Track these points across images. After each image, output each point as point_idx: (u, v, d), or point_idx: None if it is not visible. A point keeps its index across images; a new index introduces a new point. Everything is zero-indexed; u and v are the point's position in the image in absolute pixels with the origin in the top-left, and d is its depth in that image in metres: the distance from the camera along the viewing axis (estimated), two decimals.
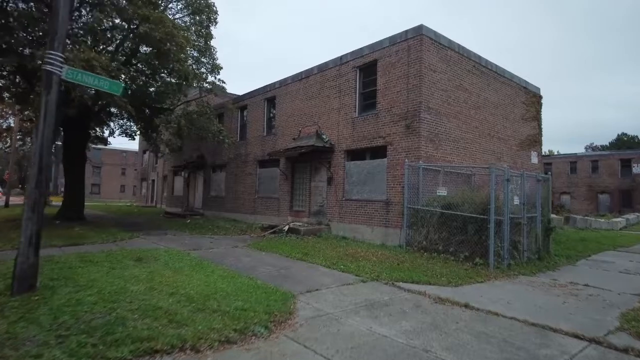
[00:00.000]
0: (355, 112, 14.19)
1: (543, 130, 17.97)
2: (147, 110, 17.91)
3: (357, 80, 14.28)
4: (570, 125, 71.68)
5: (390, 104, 12.82)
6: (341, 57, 14.88)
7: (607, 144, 63.48)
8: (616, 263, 11.14)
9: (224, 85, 19.45)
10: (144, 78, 17.58)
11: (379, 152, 13.20)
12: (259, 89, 19.73)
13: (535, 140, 17.29)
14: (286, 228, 14.25)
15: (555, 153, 58.96)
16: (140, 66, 16.91)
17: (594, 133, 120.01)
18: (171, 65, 15.57)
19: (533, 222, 10.78)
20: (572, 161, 43.64)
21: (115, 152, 67.00)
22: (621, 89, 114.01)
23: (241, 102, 21.16)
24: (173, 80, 17.39)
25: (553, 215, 14.81)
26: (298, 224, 14.87)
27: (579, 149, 54.52)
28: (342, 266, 8.65)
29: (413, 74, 12.19)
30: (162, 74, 17.72)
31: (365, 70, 14.15)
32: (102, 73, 10.64)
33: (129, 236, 12.91)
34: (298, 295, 6.29)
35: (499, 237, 9.37)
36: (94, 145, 28.70)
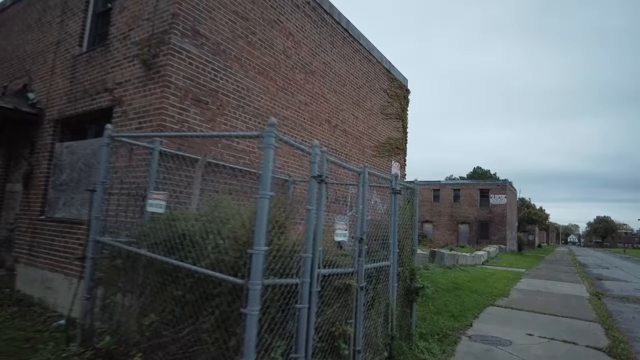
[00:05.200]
0: (82, 45, 7.30)
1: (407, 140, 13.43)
2: None
3: None
4: (429, 160, 76.05)
5: (129, 25, 6.27)
6: None
7: (465, 175, 67.37)
8: (514, 344, 6.58)
9: None
10: None
11: (105, 120, 6.45)
12: None
13: (398, 147, 12.47)
14: None
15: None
16: None
17: (451, 168, 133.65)
18: None
19: (382, 279, 5.07)
20: (436, 189, 42.78)
21: None
22: (471, 137, 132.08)
23: None
24: None
25: (417, 250, 9.95)
26: None
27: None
28: None
29: None
30: None
31: None
32: None
33: None
34: None
35: (281, 335, 3.29)
36: None
